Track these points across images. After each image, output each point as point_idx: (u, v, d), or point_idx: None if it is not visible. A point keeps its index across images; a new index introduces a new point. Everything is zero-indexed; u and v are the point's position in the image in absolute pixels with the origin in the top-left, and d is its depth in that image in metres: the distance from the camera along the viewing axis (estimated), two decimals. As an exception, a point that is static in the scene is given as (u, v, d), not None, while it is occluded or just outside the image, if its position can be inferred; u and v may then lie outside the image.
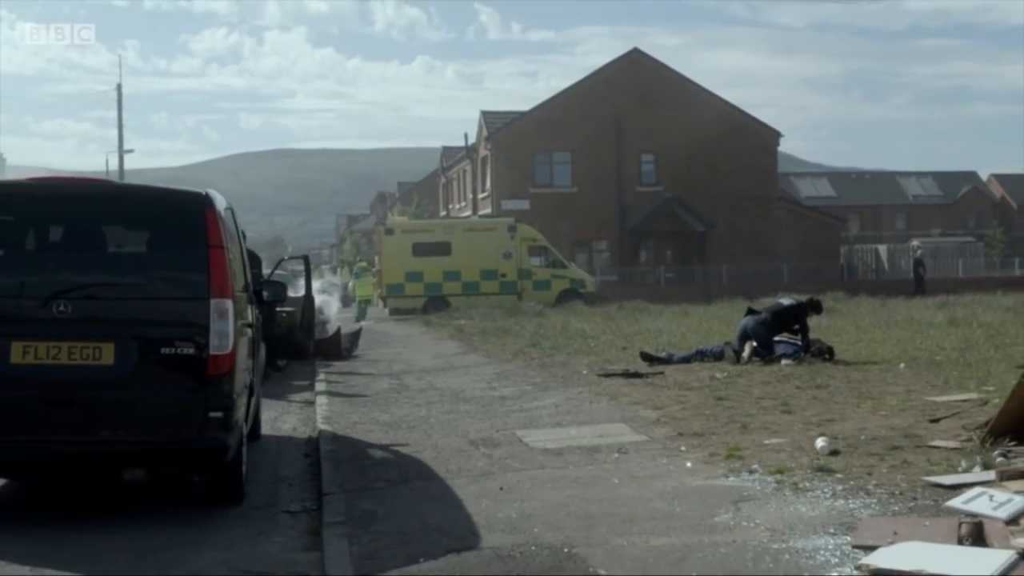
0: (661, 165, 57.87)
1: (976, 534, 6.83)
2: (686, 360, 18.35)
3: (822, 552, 6.82)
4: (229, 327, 8.83)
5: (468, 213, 62.32)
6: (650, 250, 60.43)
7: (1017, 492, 7.73)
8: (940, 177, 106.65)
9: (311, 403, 16.38)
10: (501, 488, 9.25)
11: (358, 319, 38.10)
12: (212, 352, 8.72)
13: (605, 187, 57.47)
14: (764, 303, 20.85)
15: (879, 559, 6.43)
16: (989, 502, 7.46)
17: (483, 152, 60.85)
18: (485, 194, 60.25)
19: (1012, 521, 7.11)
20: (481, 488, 9.33)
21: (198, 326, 8.72)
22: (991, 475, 8.34)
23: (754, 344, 17.82)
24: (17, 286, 8.81)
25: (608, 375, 16.86)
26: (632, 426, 12.16)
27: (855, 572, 6.38)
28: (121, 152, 68.14)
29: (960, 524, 7.00)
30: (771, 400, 13.45)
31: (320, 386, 17.89)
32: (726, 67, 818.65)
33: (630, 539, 7.38)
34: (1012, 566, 6.17)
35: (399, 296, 43.30)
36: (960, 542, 6.74)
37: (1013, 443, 9.19)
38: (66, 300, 8.60)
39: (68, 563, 7.50)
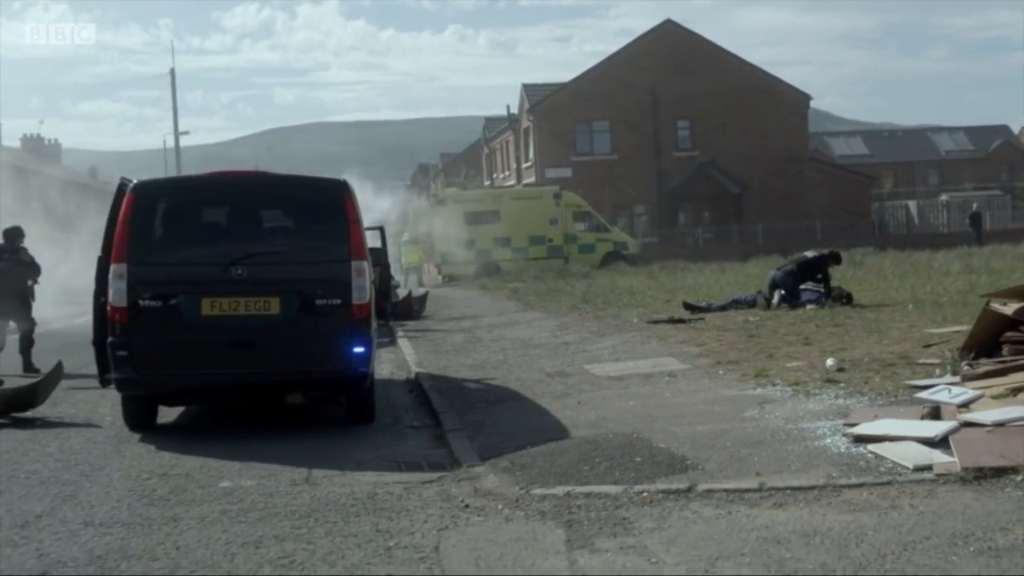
0: (696, 131, 60.36)
1: (934, 414, 9.40)
2: (723, 308, 20.90)
3: (821, 428, 9.40)
4: (366, 283, 11.48)
5: (512, 182, 64.94)
6: (688, 212, 62.93)
7: (973, 389, 10.24)
8: (972, 132, 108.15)
9: (399, 354, 18.99)
10: (579, 402, 11.88)
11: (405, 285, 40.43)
12: (354, 302, 11.37)
13: (643, 153, 60.02)
14: (792, 257, 23.33)
15: (860, 429, 9.01)
16: (948, 394, 9.99)
17: (525, 123, 63.40)
18: (529, 163, 62.87)
19: (963, 406, 9.61)
20: (562, 403, 11.95)
21: (343, 282, 11.37)
22: (956, 379, 10.86)
23: (782, 292, 20.37)
24: (204, 255, 11.51)
25: (656, 322, 19.43)
26: (678, 358, 14.76)
27: (842, 437, 8.96)
28: (176, 134, 71.15)
29: (924, 408, 9.57)
30: (794, 336, 16.01)
31: (403, 341, 20.46)
32: (760, 25, 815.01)
33: (681, 427, 9.98)
34: (953, 431, 8.69)
35: (452, 263, 45.85)
36: (922, 419, 9.29)
37: (978, 358, 11.69)
38: (241, 265, 11.29)
39: (264, 459, 10.10)
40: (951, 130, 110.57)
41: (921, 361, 12.51)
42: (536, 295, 30.01)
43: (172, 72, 72.49)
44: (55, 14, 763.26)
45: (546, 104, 60.95)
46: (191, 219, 11.87)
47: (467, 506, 8.02)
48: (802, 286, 20.65)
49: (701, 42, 62.38)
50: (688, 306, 21.26)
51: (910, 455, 8.19)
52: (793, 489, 7.67)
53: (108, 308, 11.39)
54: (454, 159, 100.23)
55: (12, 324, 18.30)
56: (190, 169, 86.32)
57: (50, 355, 16.49)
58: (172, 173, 77.98)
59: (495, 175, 75.71)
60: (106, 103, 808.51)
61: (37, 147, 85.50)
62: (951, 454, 8.13)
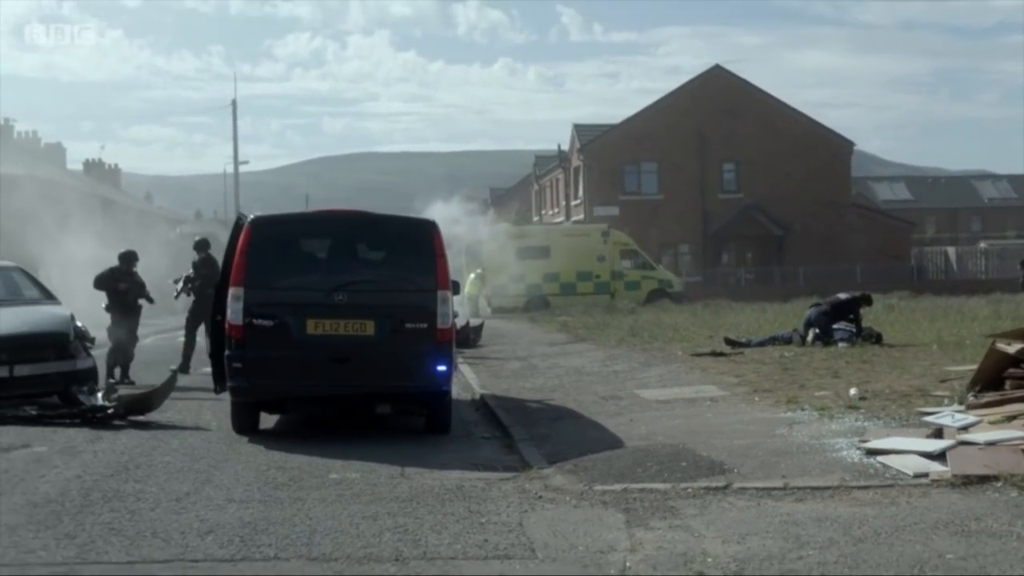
0: (741, 173, 62.13)
1: (937, 435, 11.02)
2: (762, 344, 22.54)
3: (839, 444, 11.06)
4: (449, 310, 13.27)
5: (561, 219, 66.83)
6: (731, 253, 64.61)
7: (974, 415, 11.85)
8: (1015, 180, 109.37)
9: (462, 378, 20.69)
10: (631, 420, 13.58)
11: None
12: (439, 326, 13.14)
13: (689, 194, 61.83)
14: (827, 298, 24.93)
15: (872, 444, 10.67)
16: (951, 419, 11.59)
17: (575, 162, 65.30)
18: (578, 201, 64.75)
19: (962, 429, 11.22)
20: (617, 421, 13.65)
21: (429, 309, 13.14)
22: (962, 408, 12.46)
23: (816, 330, 22.00)
24: (310, 282, 13.32)
25: (699, 355, 21.08)
26: (719, 386, 16.42)
27: (856, 450, 10.62)
28: (236, 162, 73.47)
29: (929, 429, 11.22)
30: (825, 370, 17.63)
31: (464, 367, 22.11)
32: (810, 66, 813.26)
33: (720, 441, 11.65)
34: (950, 447, 10.32)
35: (503, 296, 47.57)
36: (926, 438, 10.92)
37: (983, 391, 13.28)
38: (342, 291, 13.09)
39: (361, 459, 11.81)
40: (995, 178, 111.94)
41: (935, 393, 14.10)
42: (585, 328, 31.68)
43: (233, 103, 74.92)
44: (110, 39, 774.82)
45: (596, 144, 62.95)
46: (299, 250, 13.72)
47: (540, 497, 9.71)
48: (835, 325, 22.25)
49: (748, 87, 64.24)
50: (729, 341, 22.89)
51: (911, 465, 9.84)
52: (812, 488, 9.34)
53: (226, 326, 13.20)
54: (504, 194, 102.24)
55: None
56: (247, 196, 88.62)
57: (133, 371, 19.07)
58: (231, 201, 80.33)
59: (544, 211, 77.67)
60: (156, 128, 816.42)
61: (98, 172, 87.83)
62: (946, 465, 9.77)
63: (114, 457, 11.91)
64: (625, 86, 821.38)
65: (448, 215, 40.07)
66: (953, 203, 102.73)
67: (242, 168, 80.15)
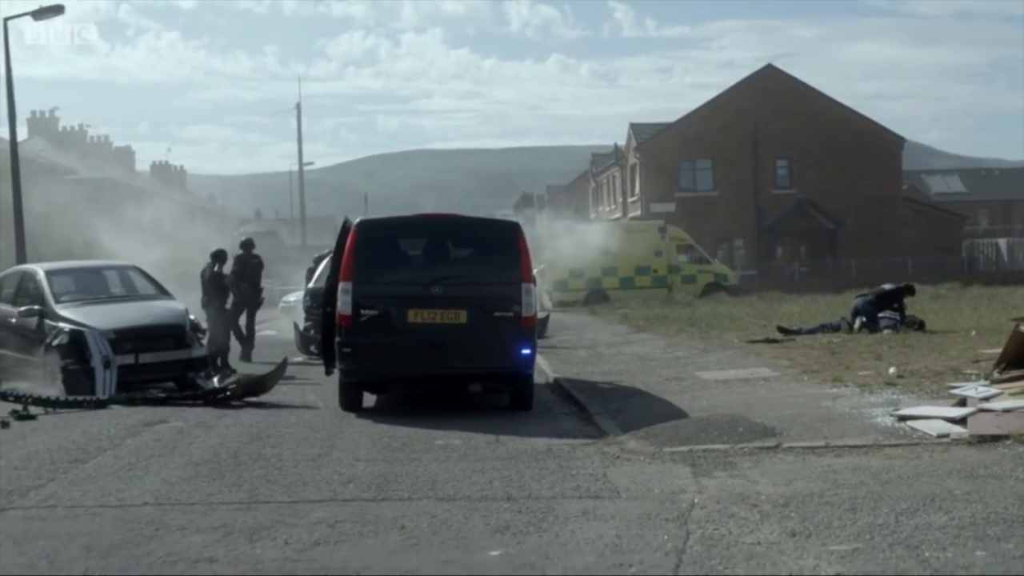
0: (794, 169, 63.64)
1: (961, 404, 12.70)
2: (812, 331, 24.20)
3: (876, 412, 12.78)
4: (532, 300, 15.07)
5: (618, 215, 68.62)
6: (785, 247, 66.13)
7: (997, 388, 13.50)
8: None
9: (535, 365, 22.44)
10: (693, 396, 15.32)
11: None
12: (523, 315, 14.95)
13: (743, 190, 63.46)
14: (873, 289, 26.53)
15: (903, 411, 12.37)
16: (975, 391, 13.27)
17: (632, 160, 67.02)
18: (635, 198, 66.50)
19: (984, 399, 12.89)
20: (680, 397, 15.38)
21: (514, 300, 14.94)
22: (987, 383, 14.11)
23: (863, 318, 23.65)
24: (410, 277, 15.17)
25: (753, 342, 22.77)
26: (772, 368, 18.13)
27: (890, 417, 12.32)
28: (301, 164, 75.76)
29: (954, 400, 12.90)
30: (869, 353, 19.29)
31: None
32: (866, 58, 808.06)
33: (772, 411, 13.38)
34: (971, 413, 12.01)
35: (564, 290, 49.34)
36: (952, 407, 12.60)
37: (1008, 369, 14.90)
38: (438, 285, 14.92)
39: (459, 429, 13.59)
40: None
41: (965, 371, 15.76)
42: (644, 320, 33.40)
43: (298, 107, 77.60)
44: (166, 41, 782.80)
45: (652, 142, 64.71)
46: (399, 249, 15.58)
47: (618, 457, 11.48)
48: (880, 314, 23.89)
49: (800, 85, 65.77)
50: (781, 329, 24.58)
51: (936, 427, 11.55)
52: (849, 446, 11.07)
53: (336, 316, 15.06)
54: (560, 191, 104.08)
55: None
56: (308, 193, 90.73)
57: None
58: (296, 199, 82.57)
59: (601, 207, 79.47)
60: (212, 128, 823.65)
61: (165, 173, 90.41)
62: (966, 428, 11.46)
63: (245, 429, 13.82)
64: (679, 80, 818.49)
65: (509, 214, 41.83)
66: (1007, 195, 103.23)
67: (295, 167, 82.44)
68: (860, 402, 13.78)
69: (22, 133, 65.71)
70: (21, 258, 32.66)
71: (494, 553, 7.65)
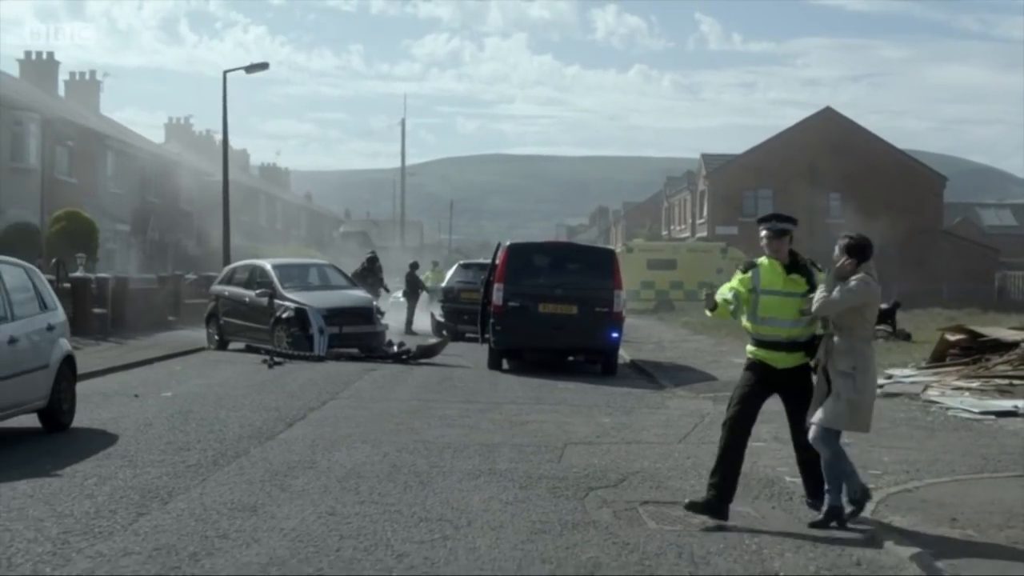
0: (846, 202, 70.82)
1: (888, 379, 20.29)
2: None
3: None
4: (622, 300, 22.89)
5: (687, 235, 76.33)
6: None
7: (918, 372, 21.01)
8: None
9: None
10: (723, 371, 22.99)
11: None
12: (614, 310, 22.70)
13: (799, 219, 70.37)
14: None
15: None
16: (901, 372, 20.81)
17: (701, 186, 74.77)
18: (702, 220, 74.21)
19: (906, 377, 20.41)
20: (716, 371, 23.05)
21: (609, 300, 22.69)
22: (915, 371, 21.63)
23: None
24: (541, 282, 23.01)
25: (779, 343, 30.29)
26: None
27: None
28: (403, 172, 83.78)
29: (886, 379, 20.54)
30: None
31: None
32: (953, 81, 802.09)
33: (771, 379, 21.10)
34: (890, 383, 19.62)
35: (635, 300, 56.86)
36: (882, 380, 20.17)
37: (933, 362, 22.36)
38: (559, 288, 22.75)
39: (572, 381, 21.23)
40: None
41: (909, 364, 23.28)
42: (702, 325, 40.82)
43: (402, 123, 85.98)
44: (253, 35, 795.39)
45: (721, 172, 72.60)
46: (535, 263, 23.40)
47: (672, 396, 19.22)
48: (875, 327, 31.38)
49: (855, 127, 73.29)
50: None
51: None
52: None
53: (491, 307, 22.86)
54: (635, 208, 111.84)
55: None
56: (377, 193, 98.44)
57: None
58: (398, 198, 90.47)
59: (672, 227, 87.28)
60: (292, 123, 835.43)
61: (273, 175, 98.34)
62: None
63: (434, 374, 21.75)
64: (761, 96, 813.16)
65: (584, 235, 48.87)
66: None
67: (373, 165, 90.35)
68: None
69: (159, 137, 74.07)
70: (227, 257, 37.11)
71: (605, 420, 15.54)
